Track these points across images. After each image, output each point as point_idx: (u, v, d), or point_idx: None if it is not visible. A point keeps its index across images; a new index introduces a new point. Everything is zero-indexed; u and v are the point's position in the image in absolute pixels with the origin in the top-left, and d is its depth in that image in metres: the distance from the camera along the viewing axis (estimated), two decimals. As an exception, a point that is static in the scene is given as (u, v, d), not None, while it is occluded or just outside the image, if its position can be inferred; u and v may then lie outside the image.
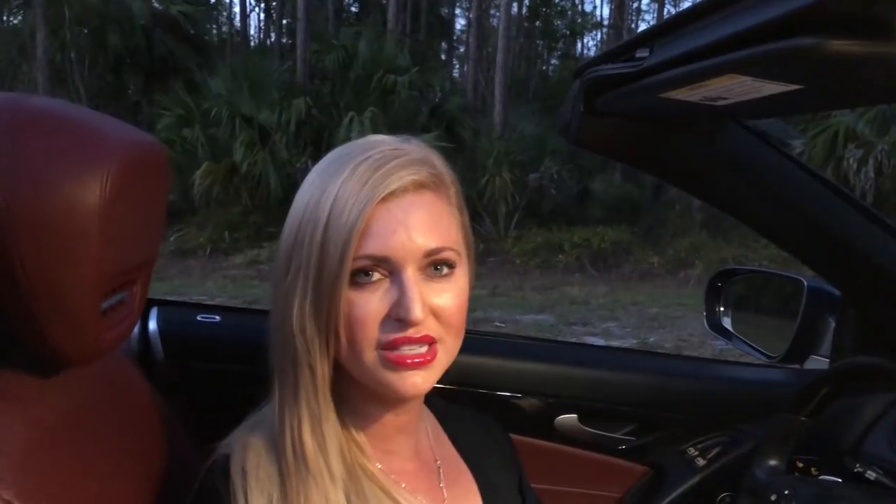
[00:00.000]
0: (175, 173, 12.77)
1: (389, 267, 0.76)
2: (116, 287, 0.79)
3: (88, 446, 0.79)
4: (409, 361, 0.76)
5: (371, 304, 0.76)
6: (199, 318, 1.32)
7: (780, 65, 0.68)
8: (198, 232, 13.73)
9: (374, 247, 0.75)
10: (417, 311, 0.74)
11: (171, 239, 13.21)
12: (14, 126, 0.67)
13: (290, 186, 12.79)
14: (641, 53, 0.89)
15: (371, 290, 0.76)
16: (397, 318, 0.75)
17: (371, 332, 0.76)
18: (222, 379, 1.23)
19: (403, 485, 0.86)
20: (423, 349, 0.77)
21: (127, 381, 0.97)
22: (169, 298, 1.39)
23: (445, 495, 0.90)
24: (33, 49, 16.42)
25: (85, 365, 0.77)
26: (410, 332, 0.76)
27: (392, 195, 0.76)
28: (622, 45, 0.95)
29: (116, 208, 0.70)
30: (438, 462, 0.94)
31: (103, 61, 16.68)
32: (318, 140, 13.42)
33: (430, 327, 0.78)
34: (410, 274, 0.76)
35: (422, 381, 0.78)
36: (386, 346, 0.76)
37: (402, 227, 0.76)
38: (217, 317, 1.33)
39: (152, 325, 1.26)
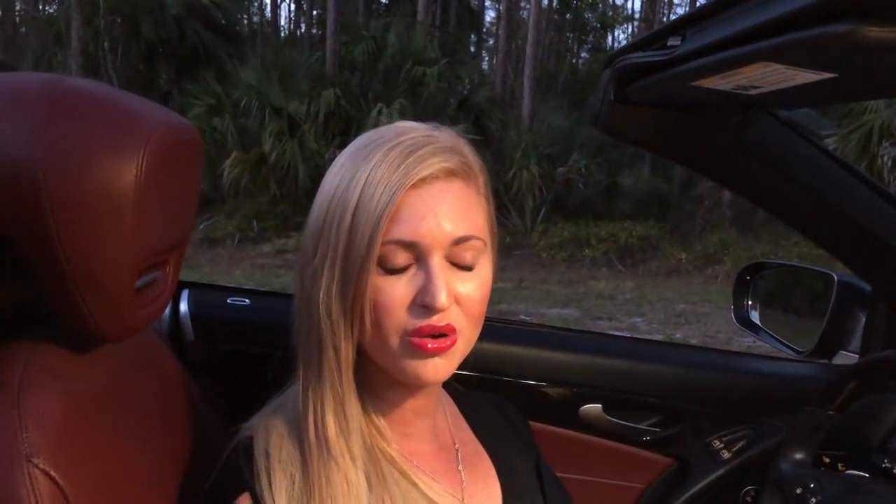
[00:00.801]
0: (205, 163, 12.83)
1: (417, 253, 0.76)
2: (150, 266, 0.80)
3: (121, 420, 0.81)
4: (429, 346, 0.77)
5: (397, 289, 0.76)
6: (229, 300, 1.33)
7: (814, 52, 0.68)
8: (226, 221, 13.85)
9: (402, 232, 0.75)
10: (443, 298, 0.75)
11: (200, 227, 13.34)
12: (52, 105, 0.68)
13: (318, 177, 12.62)
14: (673, 41, 0.89)
15: (397, 275, 0.77)
16: (422, 304, 0.76)
17: (396, 318, 0.77)
18: (250, 361, 1.24)
19: (424, 470, 0.87)
20: (444, 337, 0.78)
21: (158, 359, 0.99)
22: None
23: (463, 478, 0.91)
24: (68, 38, 16.63)
25: (119, 341, 0.79)
26: (434, 320, 0.76)
27: (422, 182, 0.76)
28: (654, 33, 0.95)
29: (151, 189, 0.72)
30: (457, 445, 0.95)
31: (136, 50, 16.84)
32: (346, 131, 13.44)
33: (453, 317, 0.78)
34: (437, 261, 0.76)
35: (441, 366, 0.79)
36: (410, 333, 0.77)
37: (431, 214, 0.76)
38: (247, 300, 1.34)
39: (183, 306, 1.29)
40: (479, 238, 0.79)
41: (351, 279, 0.75)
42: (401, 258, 0.76)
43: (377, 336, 0.78)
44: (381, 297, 0.76)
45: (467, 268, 0.79)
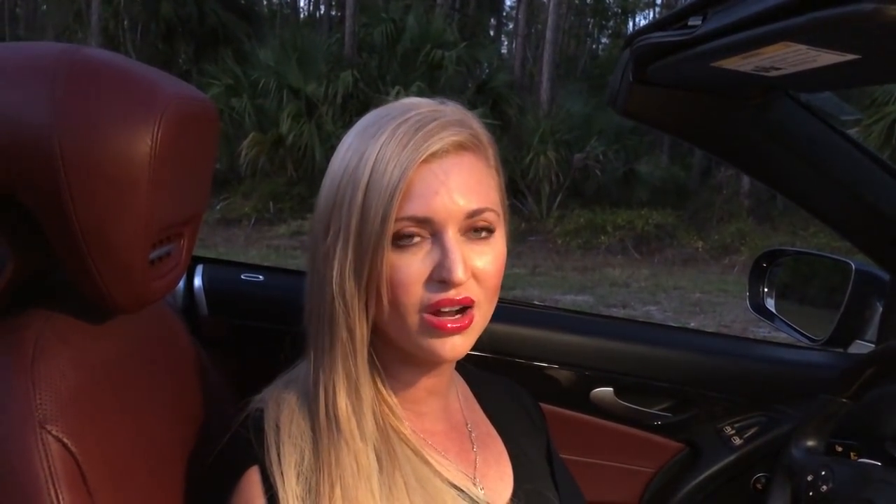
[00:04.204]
0: (222, 143, 12.94)
1: (431, 228, 0.76)
2: (164, 239, 0.80)
3: (132, 390, 0.82)
4: (449, 326, 0.77)
5: (413, 265, 0.76)
6: (243, 276, 1.34)
7: (837, 32, 0.67)
8: (243, 201, 13.92)
9: (415, 208, 0.75)
10: (460, 272, 0.75)
11: (217, 207, 13.42)
12: (70, 74, 0.68)
13: (335, 159, 12.84)
14: (694, 21, 0.88)
15: (413, 251, 0.76)
16: (440, 279, 0.76)
17: (414, 295, 0.76)
18: (263, 336, 1.25)
19: (437, 448, 0.87)
20: (461, 314, 0.78)
21: (171, 331, 1.00)
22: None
23: (476, 458, 0.91)
24: (88, 16, 16.72)
25: (132, 313, 0.79)
26: (452, 294, 0.76)
27: (433, 156, 0.76)
28: (675, 12, 0.94)
29: (166, 160, 0.72)
30: (469, 426, 0.95)
31: (155, 29, 16.90)
32: (363, 113, 13.09)
33: (471, 290, 0.78)
34: (452, 235, 0.76)
35: (460, 344, 0.79)
36: (428, 309, 0.77)
37: (443, 188, 0.76)
38: (261, 276, 1.35)
39: (197, 281, 1.29)
40: (492, 210, 0.79)
41: (365, 258, 0.75)
42: (415, 234, 0.76)
43: (395, 314, 0.78)
44: (398, 273, 0.76)
45: (482, 240, 0.79)
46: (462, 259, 0.76)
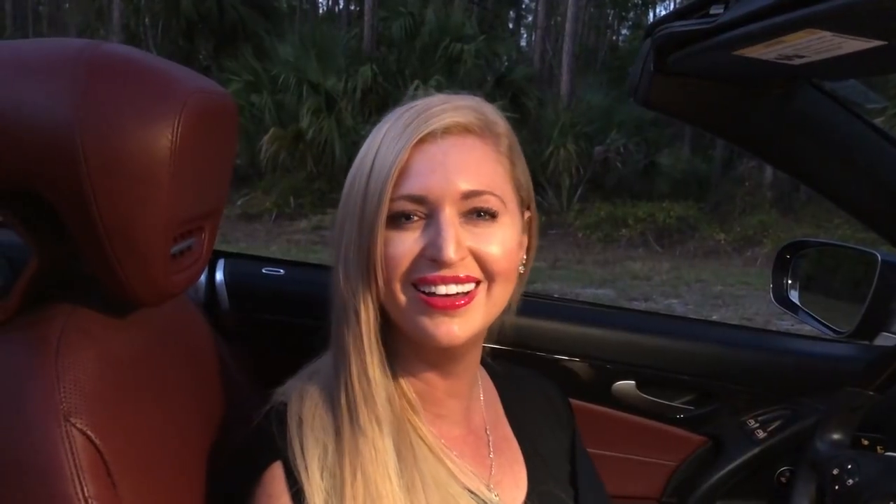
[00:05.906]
0: (243, 138, 13.01)
1: (428, 208, 0.77)
2: (185, 233, 0.81)
3: (155, 383, 0.82)
4: (440, 304, 0.76)
5: (406, 242, 0.77)
6: (264, 270, 1.34)
7: (862, 18, 0.66)
8: (264, 196, 13.99)
9: (411, 186, 0.76)
10: (450, 251, 0.74)
11: (238, 203, 13.49)
12: (91, 69, 0.68)
13: (355, 153, 12.89)
14: (716, 9, 0.87)
15: (408, 229, 0.77)
16: (431, 257, 0.76)
17: (403, 269, 0.77)
18: (284, 330, 1.25)
19: (453, 452, 0.87)
20: (456, 291, 0.77)
21: (193, 326, 1.00)
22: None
23: (492, 463, 0.91)
24: (109, 13, 16.87)
25: (154, 306, 0.80)
26: (444, 272, 0.76)
27: (432, 136, 0.77)
28: (696, 1, 0.92)
29: (186, 154, 0.72)
30: (488, 430, 0.94)
31: (175, 26, 17.03)
32: (383, 107, 13.11)
33: (471, 268, 0.77)
34: (447, 215, 0.76)
35: (458, 328, 0.78)
36: (418, 283, 0.77)
37: (440, 168, 0.76)
38: (281, 270, 1.35)
39: (219, 275, 1.30)
40: (493, 194, 0.78)
41: (365, 238, 0.77)
42: (412, 214, 0.77)
43: (388, 291, 0.78)
44: (390, 249, 0.77)
45: (484, 223, 0.78)
46: (456, 239, 0.75)
